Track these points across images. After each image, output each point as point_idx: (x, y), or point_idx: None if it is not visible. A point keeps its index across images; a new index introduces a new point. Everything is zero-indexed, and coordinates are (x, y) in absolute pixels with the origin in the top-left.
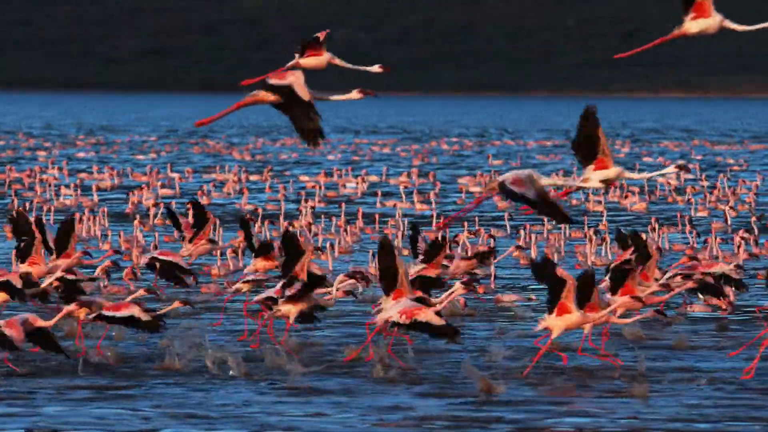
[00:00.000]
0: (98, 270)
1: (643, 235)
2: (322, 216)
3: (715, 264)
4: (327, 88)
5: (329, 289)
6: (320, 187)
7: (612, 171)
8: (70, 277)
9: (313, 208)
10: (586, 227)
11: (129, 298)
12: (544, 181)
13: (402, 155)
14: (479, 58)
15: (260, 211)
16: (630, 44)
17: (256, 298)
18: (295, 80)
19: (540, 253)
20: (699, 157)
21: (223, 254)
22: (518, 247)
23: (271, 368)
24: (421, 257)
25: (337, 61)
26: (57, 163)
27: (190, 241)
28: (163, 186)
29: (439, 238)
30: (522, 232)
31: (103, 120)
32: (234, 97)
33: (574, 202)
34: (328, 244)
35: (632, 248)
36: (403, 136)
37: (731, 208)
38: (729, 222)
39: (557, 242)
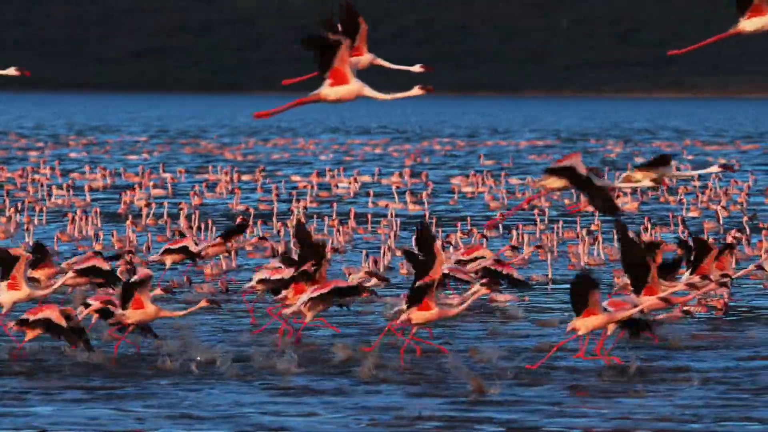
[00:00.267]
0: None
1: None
2: (314, 216)
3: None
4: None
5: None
6: (312, 187)
7: (660, 170)
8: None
9: (305, 208)
10: (578, 227)
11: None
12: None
13: (394, 155)
14: (475, 58)
15: (252, 211)
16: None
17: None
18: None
19: (582, 270)
20: (690, 157)
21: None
22: (512, 248)
23: (264, 368)
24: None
25: (379, 61)
26: (49, 163)
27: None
28: (155, 186)
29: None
30: (514, 232)
31: (96, 120)
32: (232, 96)
33: (566, 201)
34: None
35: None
36: (394, 136)
37: (723, 207)
38: (721, 222)
39: (550, 242)
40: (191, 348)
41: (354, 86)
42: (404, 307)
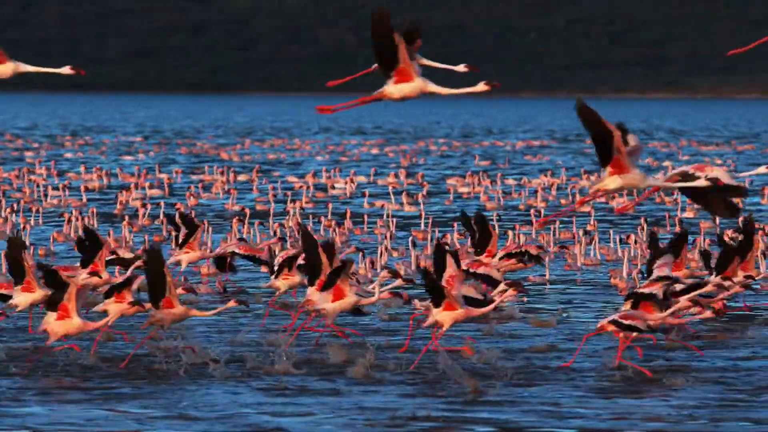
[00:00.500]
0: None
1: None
2: (311, 216)
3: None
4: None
5: (372, 289)
6: (308, 188)
7: (716, 172)
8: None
9: (301, 208)
10: (575, 227)
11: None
12: (650, 181)
13: (390, 156)
14: (469, 59)
15: (248, 211)
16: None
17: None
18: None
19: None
20: (686, 158)
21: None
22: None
23: (260, 369)
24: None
25: (425, 62)
26: (45, 164)
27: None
28: (151, 186)
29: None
30: (510, 233)
31: (92, 120)
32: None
33: (563, 201)
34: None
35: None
36: (389, 136)
37: None
38: (717, 222)
39: (546, 243)
40: (188, 348)
41: (418, 83)
42: (431, 307)
